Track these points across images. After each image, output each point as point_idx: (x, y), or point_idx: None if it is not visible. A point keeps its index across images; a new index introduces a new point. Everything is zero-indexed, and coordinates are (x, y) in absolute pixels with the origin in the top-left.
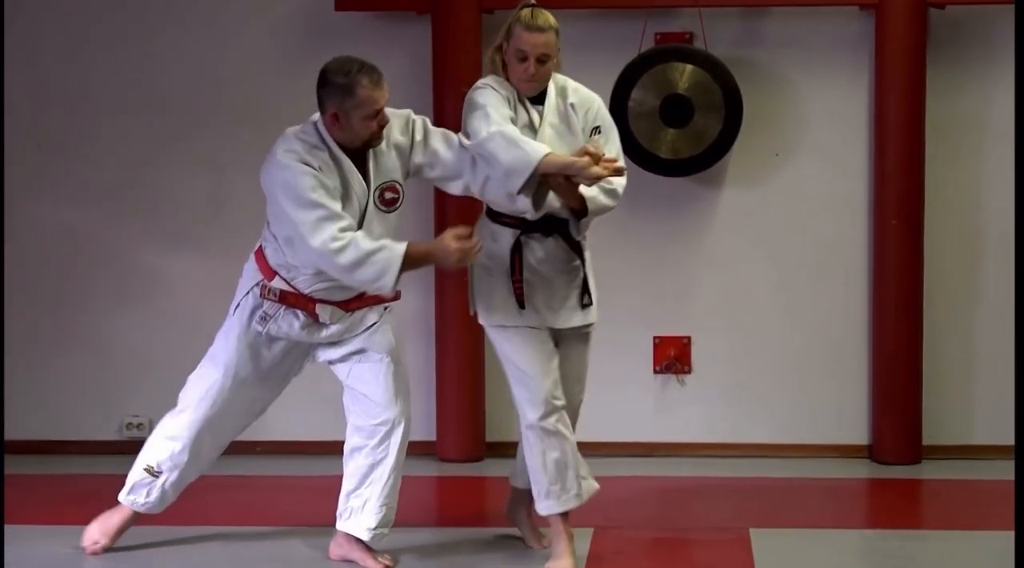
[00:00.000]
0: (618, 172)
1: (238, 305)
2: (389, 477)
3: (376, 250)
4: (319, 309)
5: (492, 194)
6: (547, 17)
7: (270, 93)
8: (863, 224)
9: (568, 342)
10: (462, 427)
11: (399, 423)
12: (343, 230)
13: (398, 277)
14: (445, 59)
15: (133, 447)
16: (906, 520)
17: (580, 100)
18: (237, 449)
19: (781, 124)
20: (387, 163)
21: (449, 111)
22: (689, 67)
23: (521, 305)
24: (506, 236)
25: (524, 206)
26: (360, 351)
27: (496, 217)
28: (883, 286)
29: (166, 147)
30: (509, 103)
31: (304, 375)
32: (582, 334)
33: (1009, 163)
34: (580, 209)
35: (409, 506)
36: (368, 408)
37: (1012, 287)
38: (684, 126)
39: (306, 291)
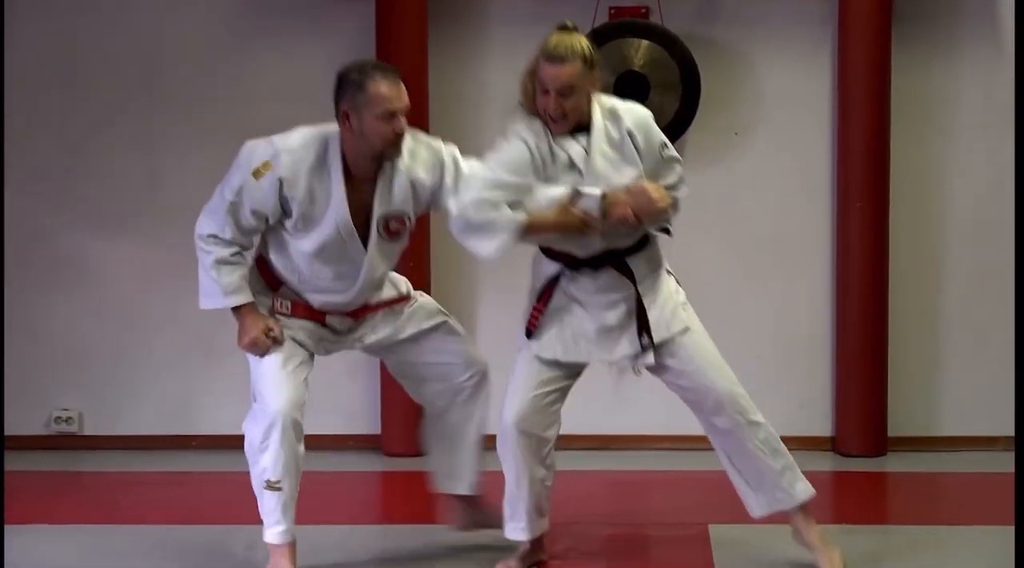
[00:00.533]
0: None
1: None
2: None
3: (214, 280)
4: (330, 320)
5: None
6: (573, 43)
7: (208, 71)
8: (825, 207)
9: (663, 351)
10: (407, 420)
11: (486, 372)
12: (215, 238)
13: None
14: (389, 42)
15: (61, 442)
16: (870, 515)
17: (636, 122)
18: (171, 443)
19: (740, 102)
20: (399, 195)
21: None
22: (644, 43)
23: (528, 334)
24: (549, 268)
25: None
26: (410, 338)
27: (544, 249)
28: (847, 272)
29: (98, 126)
30: (534, 157)
31: (241, 364)
32: (661, 351)
33: (977, 142)
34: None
35: (353, 503)
36: (452, 371)
37: (980, 273)
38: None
39: (316, 305)
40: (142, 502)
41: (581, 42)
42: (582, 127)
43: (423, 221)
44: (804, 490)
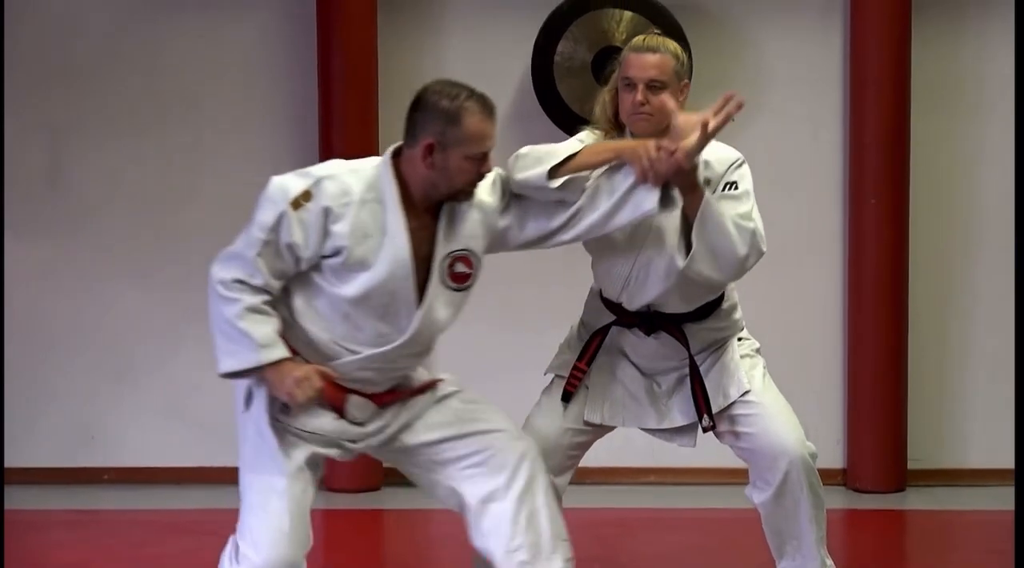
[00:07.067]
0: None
1: (249, 396)
2: (544, 502)
3: (244, 332)
4: (350, 404)
5: (618, 220)
6: (665, 40)
7: (119, 42)
8: (836, 204)
9: (717, 432)
10: None
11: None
12: (242, 283)
13: (237, 375)
14: (331, 8)
15: None
16: (887, 560)
17: (718, 158)
18: (81, 477)
19: (737, 82)
20: (465, 226)
21: (336, 67)
22: (627, 15)
23: (565, 398)
24: (600, 318)
25: (648, 206)
26: (434, 443)
27: (601, 292)
28: (860, 279)
29: None
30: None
31: (158, 389)
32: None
33: (1011, 127)
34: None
35: None
36: (493, 458)
37: (1013, 282)
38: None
39: (349, 373)
40: (47, 545)
41: (674, 43)
42: None
43: None
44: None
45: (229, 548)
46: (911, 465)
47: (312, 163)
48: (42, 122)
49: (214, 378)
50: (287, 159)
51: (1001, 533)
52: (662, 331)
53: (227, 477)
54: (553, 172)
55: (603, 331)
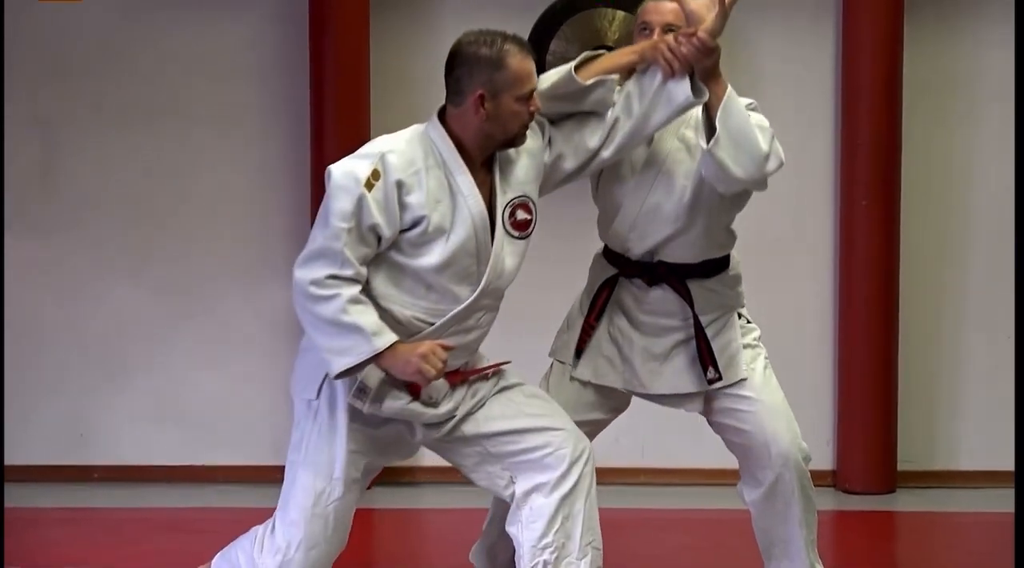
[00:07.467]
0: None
1: (320, 387)
2: (584, 508)
3: (353, 325)
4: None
5: (655, 119)
6: None
7: (111, 41)
8: (827, 205)
9: (715, 406)
10: None
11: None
12: (335, 278)
13: (348, 371)
14: (324, 7)
15: None
16: (877, 561)
17: None
18: (71, 475)
19: (730, 83)
20: (518, 172)
21: (328, 65)
22: (620, 14)
23: (578, 354)
24: (606, 272)
25: (681, 96)
26: (505, 432)
27: (605, 250)
28: (851, 279)
29: None
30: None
31: (149, 387)
32: (720, 393)
33: (1004, 130)
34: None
35: None
36: (549, 456)
37: (1006, 282)
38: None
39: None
40: (30, 544)
41: None
42: None
43: None
44: None
45: (265, 526)
46: (901, 466)
47: (303, 162)
48: (34, 120)
49: (205, 376)
50: (279, 157)
51: (992, 535)
52: (665, 283)
53: (218, 476)
54: (577, 72)
55: (609, 285)
